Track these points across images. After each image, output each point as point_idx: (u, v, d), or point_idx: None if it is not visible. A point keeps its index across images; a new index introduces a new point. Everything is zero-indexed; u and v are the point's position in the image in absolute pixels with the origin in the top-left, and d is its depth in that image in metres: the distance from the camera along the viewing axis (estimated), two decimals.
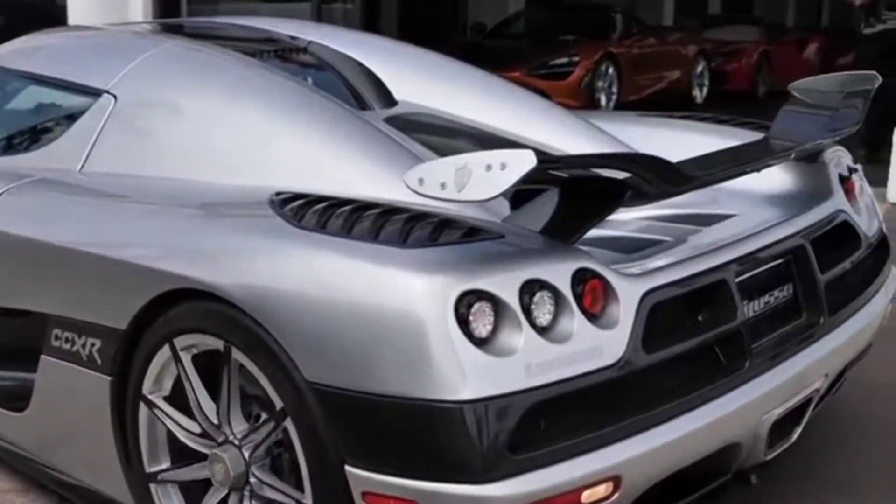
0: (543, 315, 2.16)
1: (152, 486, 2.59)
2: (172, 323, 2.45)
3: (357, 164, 2.74)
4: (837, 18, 17.21)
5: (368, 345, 2.12)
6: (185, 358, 2.46)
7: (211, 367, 2.44)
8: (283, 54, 3.63)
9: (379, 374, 2.11)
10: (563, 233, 2.32)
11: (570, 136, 3.38)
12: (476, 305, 2.09)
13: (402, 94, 3.60)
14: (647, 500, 2.36)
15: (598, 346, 2.20)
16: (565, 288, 2.20)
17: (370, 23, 11.31)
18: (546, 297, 2.17)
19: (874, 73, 3.24)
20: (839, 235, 3.02)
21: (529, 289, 2.15)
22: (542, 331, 2.15)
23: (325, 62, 3.68)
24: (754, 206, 3.00)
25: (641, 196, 2.34)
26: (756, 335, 2.59)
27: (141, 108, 3.09)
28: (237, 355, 2.34)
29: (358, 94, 3.49)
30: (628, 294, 2.29)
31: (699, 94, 14.03)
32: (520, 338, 2.11)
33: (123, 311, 2.52)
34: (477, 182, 2.06)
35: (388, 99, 3.54)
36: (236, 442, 2.41)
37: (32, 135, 3.37)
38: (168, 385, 2.54)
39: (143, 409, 2.56)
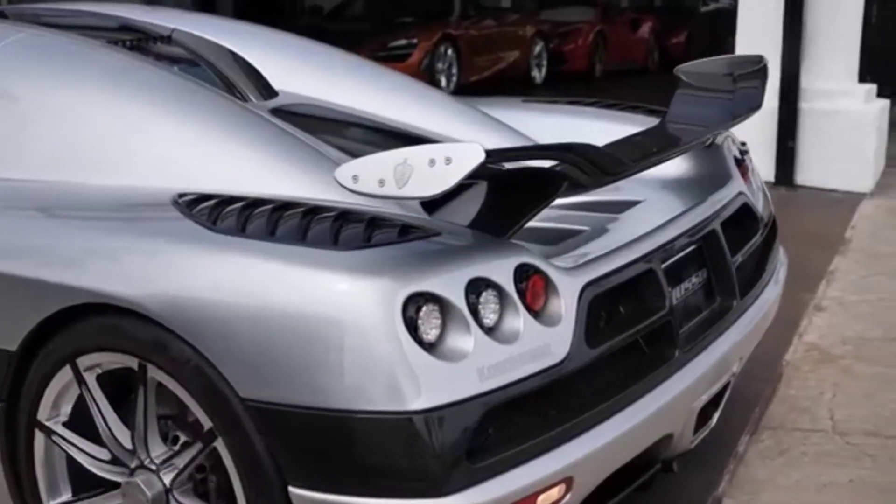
0: (490, 315, 2.06)
1: None
2: (74, 341, 2.23)
3: (253, 160, 2.52)
4: None
5: (307, 356, 1.97)
6: (90, 379, 2.25)
7: (116, 387, 2.25)
8: (145, 44, 3.35)
9: (321, 387, 1.96)
10: (498, 228, 2.22)
11: (461, 124, 3.26)
12: (424, 308, 1.97)
13: (279, 83, 3.39)
14: (589, 499, 2.30)
15: (544, 344, 2.12)
16: (508, 285, 2.10)
17: (204, 6, 10.91)
18: (491, 295, 2.07)
19: (760, 55, 3.26)
20: (741, 218, 3.02)
21: (475, 288, 2.05)
22: (490, 331, 2.05)
23: (193, 51, 3.42)
24: (659, 192, 2.96)
25: (576, 186, 2.26)
26: (682, 323, 2.56)
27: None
28: (154, 374, 2.14)
29: (233, 85, 3.25)
30: (568, 288, 2.21)
31: (538, 75, 14.18)
32: (469, 340, 2.01)
33: (12, 331, 2.29)
34: (420, 178, 1.95)
35: (266, 89, 3.33)
36: (153, 467, 2.22)
37: None
38: (67, 409, 2.33)
39: (38, 437, 2.33)
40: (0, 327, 2.32)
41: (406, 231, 2.13)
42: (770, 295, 3.05)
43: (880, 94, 7.51)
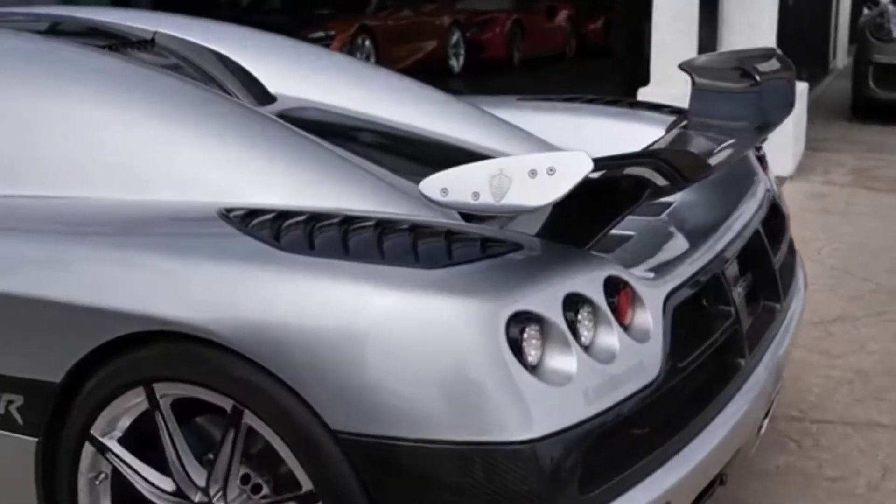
0: (586, 333, 1.93)
1: None
2: (140, 370, 2.03)
3: (286, 172, 2.36)
4: None
5: (402, 385, 1.81)
6: (164, 407, 2.05)
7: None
8: (128, 49, 3.10)
9: (423, 418, 1.81)
10: (578, 238, 2.09)
11: (469, 126, 3.11)
12: (528, 329, 1.83)
13: (274, 87, 3.19)
14: None
15: (638, 362, 2.00)
16: (600, 300, 1.97)
17: (121, 2, 10.51)
18: (587, 312, 1.94)
19: (772, 48, 3.17)
20: (772, 216, 2.93)
21: (571, 304, 1.91)
22: (588, 350, 1.92)
23: (180, 55, 3.19)
24: (693, 192, 2.86)
25: (658, 192, 2.14)
26: (744, 330, 2.46)
27: None
28: (249, 419, 1.96)
29: (227, 90, 3.02)
30: (653, 300, 2.09)
31: (456, 64, 14.11)
32: (572, 361, 1.87)
33: (55, 362, 2.07)
34: (522, 189, 1.80)
35: (263, 94, 3.13)
36: None
37: None
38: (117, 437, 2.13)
39: (82, 479, 2.13)
40: (40, 358, 2.10)
41: (489, 245, 1.98)
42: (802, 296, 2.98)
43: (798, 79, 7.58)
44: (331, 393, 1.84)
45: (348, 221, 2.04)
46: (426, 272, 1.88)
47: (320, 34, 11.73)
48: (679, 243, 2.45)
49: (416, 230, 2.00)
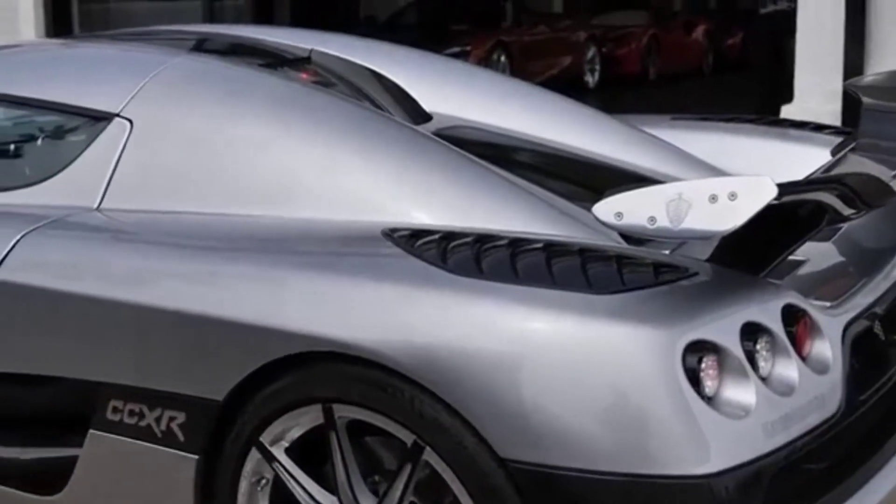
0: (764, 363, 1.87)
1: None
2: (317, 389, 2.04)
3: (449, 193, 2.35)
4: (724, 0, 17.51)
5: (576, 413, 1.78)
6: (341, 430, 2.04)
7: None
8: (285, 67, 3.12)
9: (593, 447, 1.77)
10: (754, 264, 2.02)
11: (634, 149, 3.04)
12: (706, 359, 1.78)
13: (430, 106, 3.17)
14: None
15: (819, 394, 1.93)
16: (779, 329, 1.91)
17: (262, 19, 10.85)
18: (765, 341, 1.87)
19: None
20: None
21: (749, 334, 1.85)
22: (766, 381, 1.85)
23: (335, 73, 3.22)
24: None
25: (837, 218, 2.05)
26: None
27: (167, 134, 2.59)
28: (429, 457, 1.93)
29: (382, 108, 3.02)
30: (832, 330, 2.01)
31: (591, 80, 13.99)
32: (751, 393, 1.81)
33: (217, 381, 2.10)
34: (701, 214, 1.75)
35: (420, 113, 3.12)
36: None
37: (24, 169, 2.85)
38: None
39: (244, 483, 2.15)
40: (203, 376, 2.14)
41: (661, 271, 1.93)
42: None
43: None
44: (500, 419, 1.82)
45: (516, 244, 2.02)
46: (599, 297, 1.84)
47: (456, 49, 11.79)
48: (853, 270, 2.35)
49: (586, 253, 1.97)
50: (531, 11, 14.04)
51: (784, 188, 1.76)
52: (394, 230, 2.15)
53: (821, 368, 1.95)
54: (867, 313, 2.14)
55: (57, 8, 9.08)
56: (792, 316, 1.94)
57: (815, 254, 2.43)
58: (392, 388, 1.91)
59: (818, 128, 3.31)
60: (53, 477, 2.42)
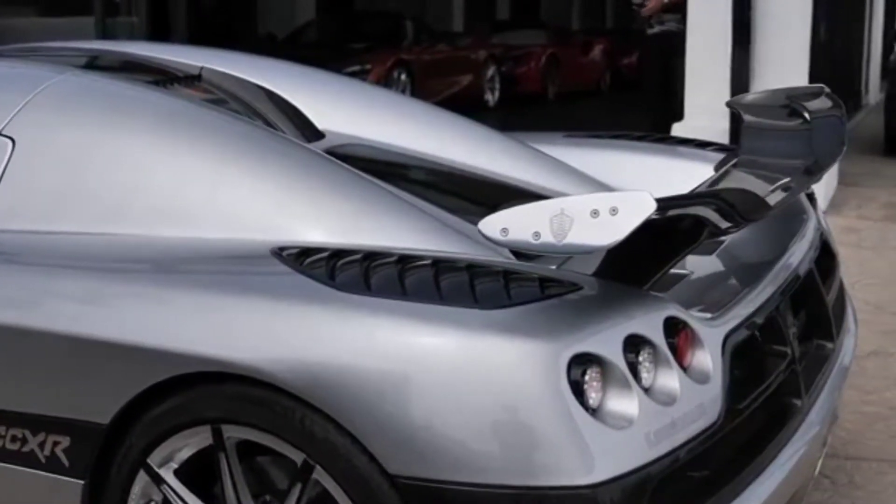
0: (647, 374, 1.91)
1: None
2: (206, 410, 2.01)
3: (329, 210, 2.35)
4: (621, 20, 17.83)
5: (463, 428, 1.79)
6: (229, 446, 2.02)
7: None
8: (175, 84, 3.09)
9: (480, 461, 1.79)
10: (636, 277, 2.07)
11: (522, 166, 3.09)
12: (589, 371, 1.81)
13: (322, 123, 3.16)
14: None
15: (701, 404, 1.97)
16: (661, 341, 1.95)
17: (158, 37, 10.70)
18: (647, 353, 1.91)
19: (821, 85, 3.14)
20: (823, 255, 2.89)
21: (632, 346, 1.89)
22: (648, 392, 1.89)
23: (227, 91, 3.19)
24: (743, 230, 2.83)
25: (716, 232, 2.12)
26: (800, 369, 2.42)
27: (49, 153, 2.52)
28: (319, 475, 1.92)
29: (275, 126, 3.01)
30: (712, 341, 2.06)
31: (491, 98, 14.19)
32: (633, 404, 1.85)
33: (105, 403, 2.07)
34: (584, 229, 1.79)
35: (312, 131, 3.11)
36: None
37: None
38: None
39: None
40: (86, 399, 2.10)
41: (547, 285, 1.96)
42: (853, 334, 2.94)
43: None
44: (388, 435, 1.82)
45: (404, 260, 2.03)
46: (484, 312, 1.86)
47: (356, 68, 11.82)
48: (734, 282, 2.42)
49: (473, 269, 1.99)
50: (432, 30, 14.13)
51: (662, 203, 1.81)
52: (282, 248, 2.14)
53: (702, 378, 2.00)
54: (747, 323, 2.20)
55: None
56: (673, 328, 1.98)
57: (698, 267, 2.50)
58: (280, 406, 1.90)
59: (703, 144, 3.41)
60: None
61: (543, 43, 15.02)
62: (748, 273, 2.47)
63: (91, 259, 2.29)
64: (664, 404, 1.90)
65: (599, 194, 1.86)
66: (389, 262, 2.02)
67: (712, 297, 2.31)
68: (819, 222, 3.01)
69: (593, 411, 1.81)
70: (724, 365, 2.05)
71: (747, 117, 2.74)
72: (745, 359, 2.18)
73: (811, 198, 3.10)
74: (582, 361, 1.81)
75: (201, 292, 2.07)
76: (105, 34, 10.08)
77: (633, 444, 1.82)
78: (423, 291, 1.92)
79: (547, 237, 1.81)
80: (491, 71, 14.17)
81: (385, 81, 11.99)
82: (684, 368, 1.98)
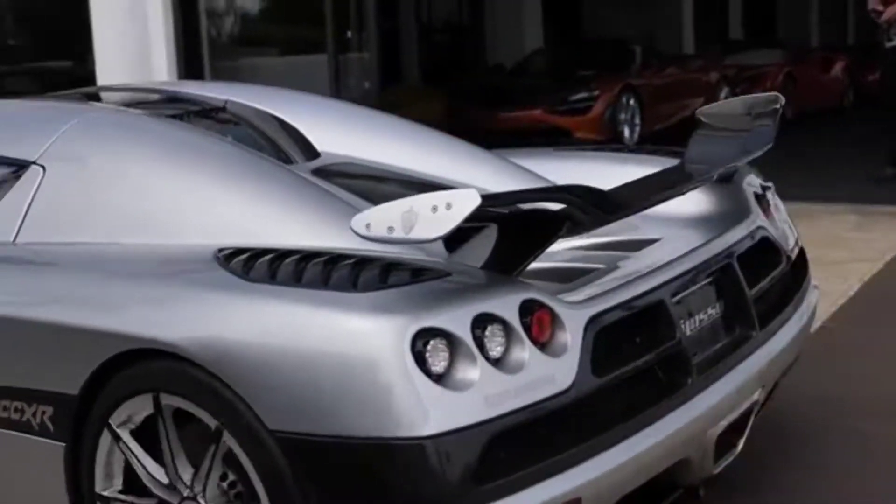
0: (496, 347, 2.26)
1: None
2: (146, 382, 2.51)
3: (292, 217, 2.76)
4: (864, 35, 17.17)
5: (327, 389, 2.21)
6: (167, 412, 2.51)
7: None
8: (202, 115, 3.61)
9: (340, 417, 2.19)
10: (505, 267, 2.43)
11: (493, 175, 3.42)
12: (431, 343, 2.19)
13: (322, 145, 3.61)
14: None
15: (549, 373, 2.30)
16: (514, 320, 2.29)
17: (389, 71, 11.43)
18: (497, 329, 2.27)
19: (777, 94, 3.32)
20: (761, 252, 3.12)
21: (480, 323, 2.25)
22: (496, 363, 2.25)
23: (244, 119, 3.67)
24: (677, 229, 3.10)
25: (577, 226, 2.44)
26: (695, 352, 2.69)
27: (71, 177, 3.04)
28: (197, 412, 2.41)
29: (280, 148, 3.50)
30: (574, 321, 2.39)
31: None
32: (476, 371, 2.21)
33: (75, 377, 2.56)
34: (425, 223, 2.17)
35: (310, 151, 3.56)
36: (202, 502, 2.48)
37: None
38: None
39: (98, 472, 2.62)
40: (61, 374, 2.59)
41: (419, 273, 2.36)
42: (797, 326, 3.13)
43: None
44: (270, 398, 2.26)
45: (309, 257, 2.44)
46: (357, 295, 2.28)
47: (584, 95, 11.97)
48: (629, 274, 2.70)
49: (362, 262, 2.39)
50: (661, 54, 14.08)
51: (489, 199, 2.17)
52: (221, 250, 2.58)
53: (557, 352, 2.32)
54: (621, 308, 2.49)
55: (189, 65, 10.01)
56: (529, 309, 2.32)
57: (615, 262, 2.82)
58: (197, 379, 2.37)
59: (672, 153, 3.54)
60: None
61: (779, 62, 14.68)
62: (642, 266, 2.76)
63: (78, 263, 2.82)
64: (510, 373, 2.24)
65: (439, 192, 2.20)
66: (296, 258, 2.44)
67: (599, 285, 2.61)
68: (769, 223, 3.22)
69: (438, 377, 2.18)
70: (587, 342, 2.37)
71: (702, 127, 3.02)
72: (617, 338, 2.48)
73: (761, 198, 3.29)
74: (427, 335, 2.19)
75: (146, 285, 2.60)
76: (337, 70, 10.92)
77: (471, 405, 2.18)
78: (314, 280, 2.34)
79: (399, 231, 2.20)
80: (724, 93, 13.84)
81: (613, 107, 12.00)
82: (541, 343, 2.32)
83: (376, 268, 2.36)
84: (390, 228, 2.22)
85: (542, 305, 2.35)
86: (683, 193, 2.90)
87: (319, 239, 2.63)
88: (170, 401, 2.47)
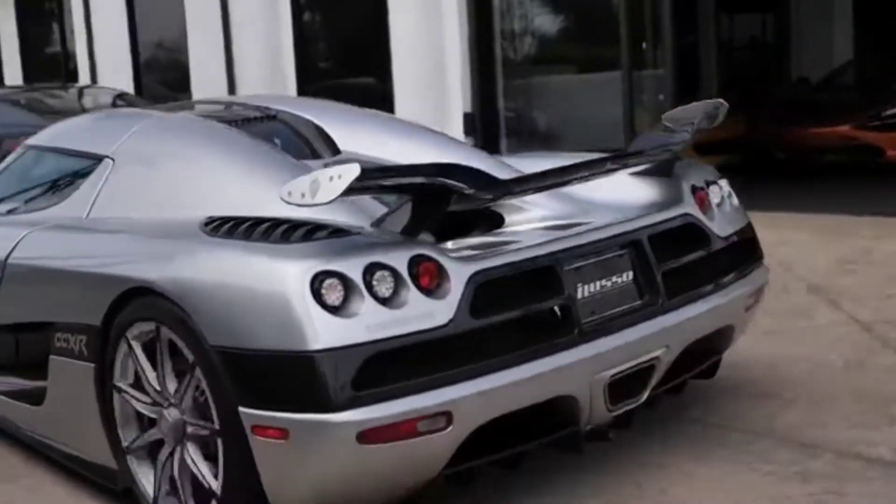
0: (384, 289, 2.87)
1: (128, 457, 3.39)
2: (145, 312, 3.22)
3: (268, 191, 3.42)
4: None
5: (251, 315, 2.87)
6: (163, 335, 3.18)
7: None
8: (253, 120, 4.41)
9: (260, 335, 2.85)
10: (410, 230, 3.05)
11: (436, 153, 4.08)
12: (327, 282, 2.82)
13: (347, 146, 4.33)
14: (499, 441, 3.03)
15: (429, 311, 2.90)
16: (402, 268, 2.91)
17: (687, 87, 10.68)
18: (386, 275, 2.88)
19: (720, 100, 3.89)
20: (685, 235, 3.66)
21: (371, 269, 2.87)
22: (383, 301, 2.86)
23: (288, 124, 4.44)
24: (609, 213, 3.69)
25: (464, 199, 3.04)
26: (590, 310, 3.26)
27: (131, 167, 3.98)
28: (165, 332, 3.14)
29: (312, 146, 4.28)
30: (458, 273, 2.98)
31: None
32: (362, 305, 2.83)
33: (97, 310, 3.34)
34: (324, 190, 2.80)
35: (333, 149, 4.29)
36: (174, 401, 3.18)
37: (55, 192, 4.29)
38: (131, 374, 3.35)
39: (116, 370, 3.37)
40: (88, 309, 3.39)
41: (336, 232, 2.99)
42: (720, 300, 3.65)
43: None
44: (211, 321, 2.93)
45: (265, 222, 3.10)
46: (282, 246, 2.93)
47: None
48: (526, 244, 3.30)
49: (300, 225, 3.03)
50: None
51: (367, 172, 2.77)
52: (209, 218, 3.29)
53: (440, 296, 2.91)
54: (498, 269, 3.08)
55: (483, 84, 10.89)
56: (419, 261, 2.93)
57: (512, 232, 3.45)
58: (167, 308, 3.07)
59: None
60: (40, 394, 3.74)
61: None
62: (541, 239, 3.36)
63: (120, 230, 3.63)
64: (392, 308, 2.85)
65: (337, 167, 2.83)
66: (254, 222, 3.11)
67: (496, 248, 3.24)
68: (701, 213, 3.75)
69: (332, 308, 2.80)
70: (468, 290, 2.96)
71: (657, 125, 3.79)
72: (503, 290, 3.06)
73: (697, 192, 3.82)
74: (325, 276, 2.82)
75: (148, 244, 3.36)
76: (631, 86, 10.56)
77: (354, 330, 2.79)
78: (258, 237, 3.01)
79: (307, 197, 2.84)
80: None
81: None
82: (427, 289, 2.92)
83: (306, 229, 3.01)
84: (302, 195, 2.85)
85: (430, 259, 2.95)
86: (582, 181, 3.45)
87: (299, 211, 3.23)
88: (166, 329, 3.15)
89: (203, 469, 3.12)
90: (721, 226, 3.81)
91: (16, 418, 4.02)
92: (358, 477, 2.87)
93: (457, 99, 10.95)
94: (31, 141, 4.74)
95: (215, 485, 3.06)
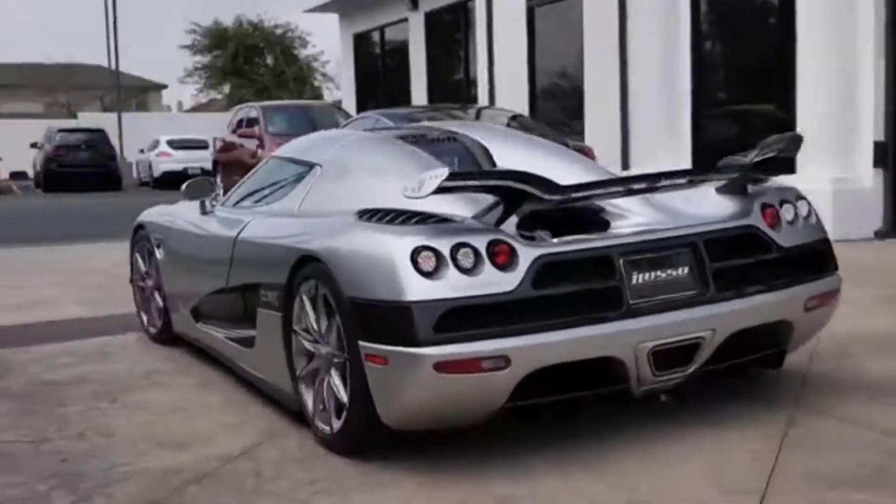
0: (466, 262, 3.91)
1: (299, 385, 4.60)
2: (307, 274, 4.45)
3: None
4: None
5: (373, 273, 3.99)
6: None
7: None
8: (432, 139, 5.62)
9: (376, 288, 3.96)
10: (497, 222, 4.09)
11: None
12: (423, 253, 3.90)
13: (501, 162, 5.41)
14: (555, 386, 4.00)
15: (499, 280, 3.92)
16: (482, 248, 3.95)
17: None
18: (468, 252, 3.92)
19: (800, 133, 4.64)
20: (746, 242, 4.48)
21: (458, 247, 3.93)
22: (465, 271, 3.90)
23: (462, 144, 5.59)
24: (682, 220, 4.55)
25: (535, 200, 4.04)
26: (639, 293, 4.15)
27: (331, 172, 5.28)
28: (321, 288, 4.32)
29: (476, 161, 5.40)
30: (526, 255, 3.98)
31: None
32: (448, 272, 3.88)
33: (283, 272, 4.58)
34: (425, 187, 3.89)
35: (492, 164, 5.39)
36: (325, 339, 4.35)
37: (280, 189, 5.66)
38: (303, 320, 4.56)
39: (294, 317, 4.59)
40: (278, 272, 4.63)
41: (442, 221, 4.08)
42: (770, 299, 4.42)
43: None
44: (347, 279, 4.09)
45: (398, 212, 4.21)
46: (401, 227, 4.04)
47: None
48: (605, 239, 4.24)
49: (418, 214, 4.14)
50: None
51: (455, 176, 3.85)
52: (363, 209, 4.44)
53: (509, 270, 3.92)
54: (561, 254, 4.04)
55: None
56: (495, 244, 3.95)
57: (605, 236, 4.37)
58: (324, 270, 4.24)
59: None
60: (251, 338, 5.07)
61: None
62: (602, 236, 4.31)
63: (313, 217, 4.89)
64: (471, 276, 3.89)
65: (438, 169, 3.92)
66: (390, 212, 4.23)
67: (565, 240, 4.21)
68: (767, 227, 4.54)
69: (425, 273, 3.87)
70: (532, 268, 3.95)
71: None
72: (560, 270, 4.02)
73: (767, 207, 4.59)
74: (422, 249, 3.90)
75: (317, 225, 4.59)
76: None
77: (440, 289, 3.85)
78: (387, 221, 4.14)
79: (415, 192, 3.94)
80: None
81: None
82: (500, 264, 3.93)
83: (421, 217, 4.11)
84: (414, 190, 3.95)
85: (505, 243, 3.97)
86: (634, 194, 4.38)
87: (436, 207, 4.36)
88: (320, 286, 4.35)
89: (339, 388, 4.27)
90: (786, 237, 4.57)
91: (233, 356, 5.40)
92: (435, 398, 3.92)
93: (867, 127, 10.91)
94: (275, 153, 6.15)
95: (345, 399, 4.21)
